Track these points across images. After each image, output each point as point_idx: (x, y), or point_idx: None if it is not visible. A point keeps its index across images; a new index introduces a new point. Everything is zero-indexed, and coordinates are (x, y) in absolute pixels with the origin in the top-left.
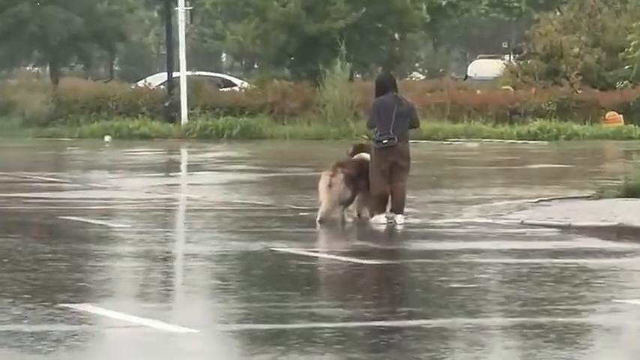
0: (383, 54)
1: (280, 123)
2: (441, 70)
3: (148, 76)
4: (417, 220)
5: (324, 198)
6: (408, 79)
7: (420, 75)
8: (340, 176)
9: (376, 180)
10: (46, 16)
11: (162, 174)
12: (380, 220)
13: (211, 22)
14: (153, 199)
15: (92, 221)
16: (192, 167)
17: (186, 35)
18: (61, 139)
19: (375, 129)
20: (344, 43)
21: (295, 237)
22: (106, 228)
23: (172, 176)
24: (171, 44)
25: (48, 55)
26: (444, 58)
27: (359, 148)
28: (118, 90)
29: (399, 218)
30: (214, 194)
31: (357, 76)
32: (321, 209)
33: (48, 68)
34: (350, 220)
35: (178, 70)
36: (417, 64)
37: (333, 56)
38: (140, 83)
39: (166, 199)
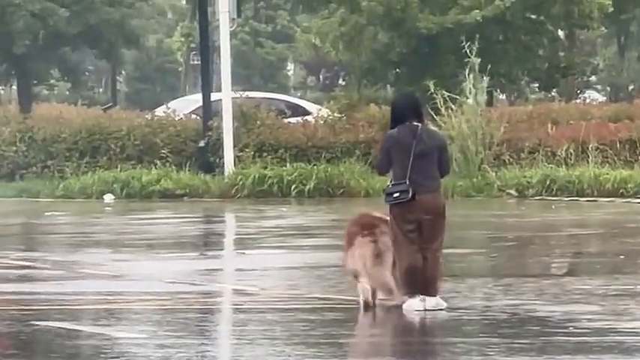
0: (540, 62)
1: None
2: (630, 88)
3: (172, 99)
4: (593, 324)
5: (375, 275)
6: (579, 100)
7: (598, 95)
8: (386, 239)
9: (401, 248)
10: (8, 5)
11: (194, 253)
12: (413, 306)
13: (271, 15)
14: (180, 292)
15: (87, 329)
16: (243, 243)
17: (232, 36)
18: (36, 199)
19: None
20: (477, 46)
21: (417, 350)
22: (108, 340)
23: (211, 257)
24: (207, 50)
25: (13, 67)
26: (636, 68)
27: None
28: (125, 122)
29: (431, 302)
30: (277, 285)
31: (501, 97)
32: (369, 290)
33: (14, 87)
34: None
35: (219, 91)
36: (592, 78)
37: (461, 67)
38: (160, 111)
39: (202, 292)
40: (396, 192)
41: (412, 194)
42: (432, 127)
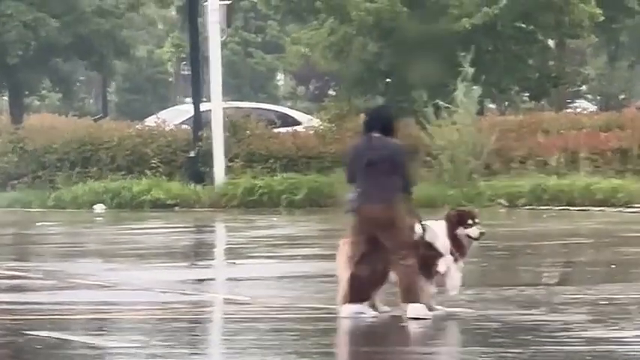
0: (530, 72)
1: None
2: (621, 97)
3: (162, 109)
4: (585, 333)
5: (344, 277)
6: (569, 110)
7: (589, 104)
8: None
9: (353, 256)
10: (0, 15)
11: (185, 263)
12: (343, 311)
13: (261, 25)
14: (171, 302)
15: (78, 339)
16: (233, 252)
17: (222, 45)
18: (27, 209)
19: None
20: (470, 55)
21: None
22: (99, 350)
23: (201, 267)
24: (198, 60)
25: (4, 77)
26: (626, 78)
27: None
28: (116, 132)
29: (412, 309)
30: (268, 294)
31: (491, 106)
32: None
33: (5, 98)
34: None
35: (209, 101)
36: (583, 88)
37: (451, 77)
38: (150, 121)
39: (193, 302)
40: (349, 201)
41: (358, 204)
42: (394, 140)
